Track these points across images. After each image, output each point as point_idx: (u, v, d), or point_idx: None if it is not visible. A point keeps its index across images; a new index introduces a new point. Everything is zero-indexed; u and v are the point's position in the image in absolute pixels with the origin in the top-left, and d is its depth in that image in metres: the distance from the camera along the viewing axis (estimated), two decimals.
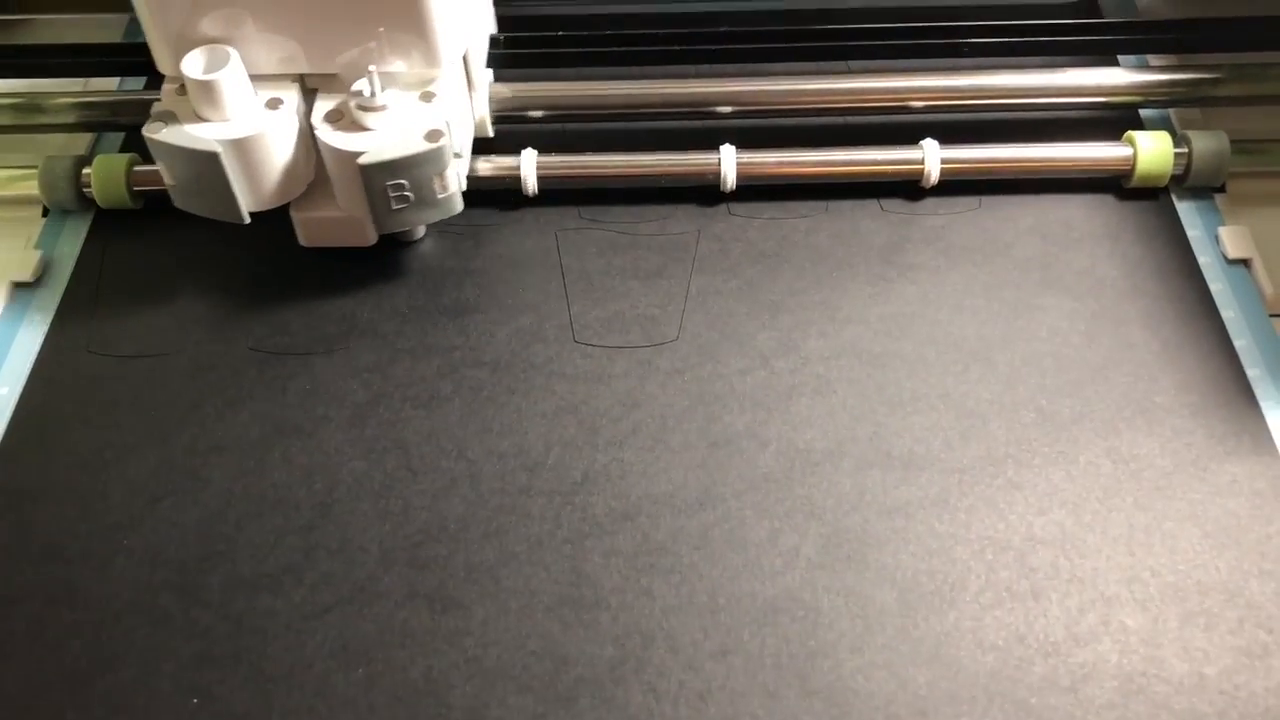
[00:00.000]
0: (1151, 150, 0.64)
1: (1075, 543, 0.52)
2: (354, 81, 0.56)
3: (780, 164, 0.65)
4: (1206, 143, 0.64)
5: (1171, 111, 0.69)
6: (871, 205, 0.65)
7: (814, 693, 0.48)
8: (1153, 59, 0.71)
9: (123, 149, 0.69)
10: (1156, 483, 0.54)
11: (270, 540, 0.53)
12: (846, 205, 0.65)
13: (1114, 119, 0.68)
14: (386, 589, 0.52)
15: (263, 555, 0.53)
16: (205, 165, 0.56)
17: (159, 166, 0.58)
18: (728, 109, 0.67)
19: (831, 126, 0.69)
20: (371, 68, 0.55)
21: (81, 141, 0.70)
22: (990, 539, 0.52)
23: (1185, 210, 0.65)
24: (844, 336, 0.59)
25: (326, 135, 0.56)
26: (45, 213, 0.67)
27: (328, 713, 0.48)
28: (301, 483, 0.55)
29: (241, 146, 0.56)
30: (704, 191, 0.66)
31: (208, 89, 0.55)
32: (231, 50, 0.55)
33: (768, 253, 0.63)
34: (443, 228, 0.64)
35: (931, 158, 0.64)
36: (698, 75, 0.70)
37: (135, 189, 0.65)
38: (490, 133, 0.66)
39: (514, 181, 0.65)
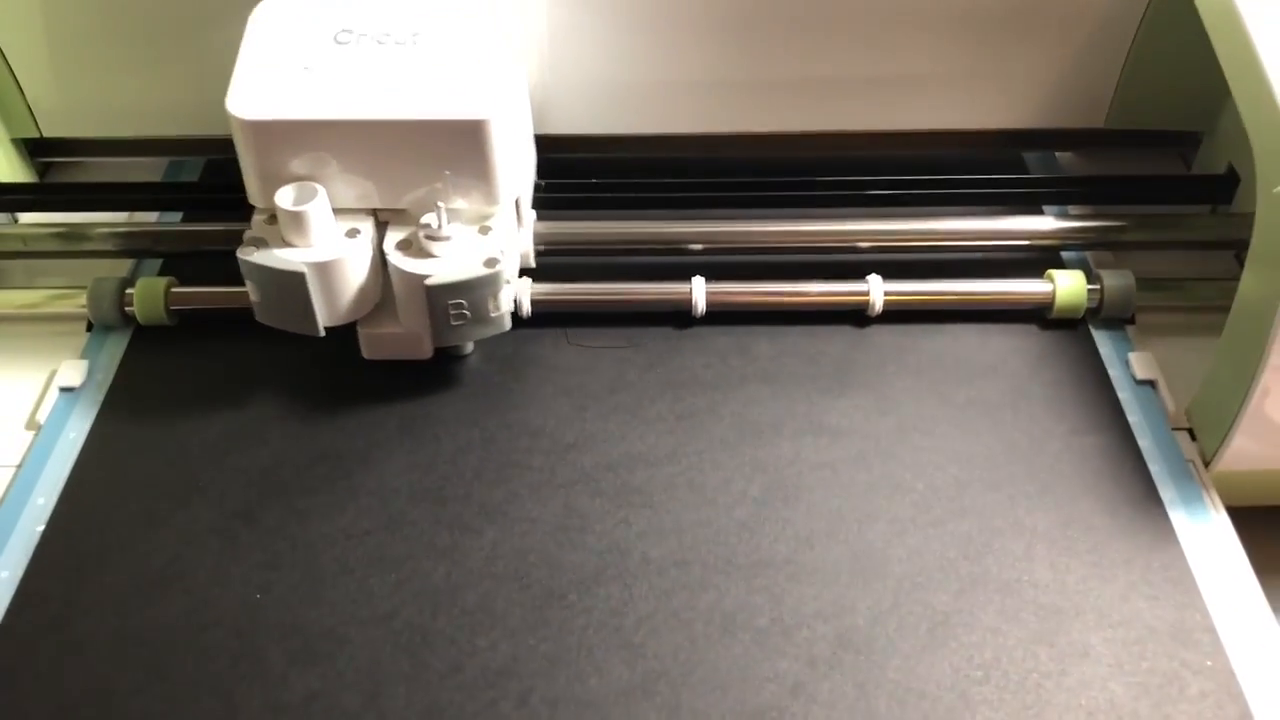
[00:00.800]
0: (1068, 287, 0.72)
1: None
2: (421, 215, 0.64)
3: (744, 293, 0.73)
4: (1116, 280, 0.73)
5: (1088, 253, 0.78)
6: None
7: (758, 590, 0.60)
8: (1072, 209, 0.80)
9: (161, 273, 0.76)
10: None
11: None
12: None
13: (1038, 259, 0.76)
14: (415, 519, 0.63)
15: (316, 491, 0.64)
16: (291, 284, 0.63)
17: (247, 285, 0.65)
18: (699, 246, 0.76)
19: (789, 263, 0.77)
20: (440, 204, 0.63)
21: (121, 266, 0.77)
22: (896, 484, 0.64)
23: (1100, 338, 0.73)
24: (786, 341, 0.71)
25: (398, 260, 0.64)
26: (89, 327, 0.74)
27: (368, 605, 0.59)
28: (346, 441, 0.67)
29: (323, 269, 0.64)
30: (677, 316, 0.74)
31: (297, 219, 0.63)
32: (319, 186, 0.63)
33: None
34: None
35: (876, 291, 0.72)
36: (673, 218, 0.79)
37: (172, 309, 0.73)
38: (533, 263, 0.74)
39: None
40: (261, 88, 0.63)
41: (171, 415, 0.69)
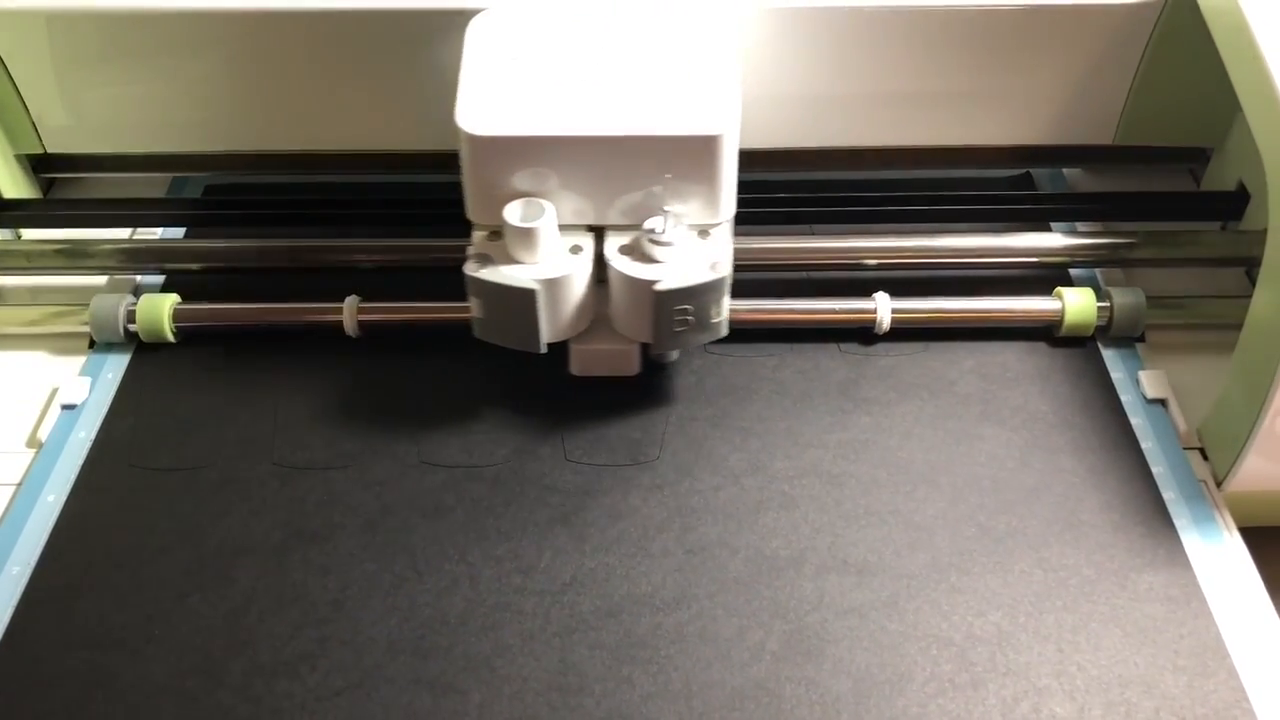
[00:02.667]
0: (1077, 304, 0.71)
1: (1010, 640, 0.58)
2: (635, 221, 0.63)
3: (752, 311, 0.72)
4: (1126, 298, 0.72)
5: (1098, 271, 0.77)
6: (831, 348, 0.72)
7: None
8: (1080, 226, 0.79)
9: (164, 290, 0.75)
10: (1082, 589, 0.60)
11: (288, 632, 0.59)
12: (809, 347, 0.72)
13: (1047, 277, 0.75)
14: (392, 675, 0.57)
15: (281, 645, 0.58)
16: (520, 301, 0.62)
17: (471, 301, 0.64)
18: None
19: (797, 280, 0.76)
20: (667, 208, 0.62)
21: (121, 283, 0.77)
22: (935, 637, 0.58)
23: (1109, 356, 0.72)
24: (806, 458, 0.66)
25: (624, 266, 0.63)
26: (91, 344, 0.73)
27: None
28: (318, 581, 0.61)
29: (552, 286, 0.63)
30: None
31: (527, 235, 0.62)
32: (547, 203, 0.62)
33: (739, 386, 0.71)
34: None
35: (883, 308, 0.71)
36: None
37: (175, 326, 0.72)
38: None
39: None
40: (489, 102, 0.62)
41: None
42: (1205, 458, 0.66)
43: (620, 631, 0.59)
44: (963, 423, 0.68)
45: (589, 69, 0.64)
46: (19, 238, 0.81)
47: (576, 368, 0.69)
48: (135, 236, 0.80)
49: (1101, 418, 0.68)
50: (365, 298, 0.72)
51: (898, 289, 0.73)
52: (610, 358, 0.68)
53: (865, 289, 0.73)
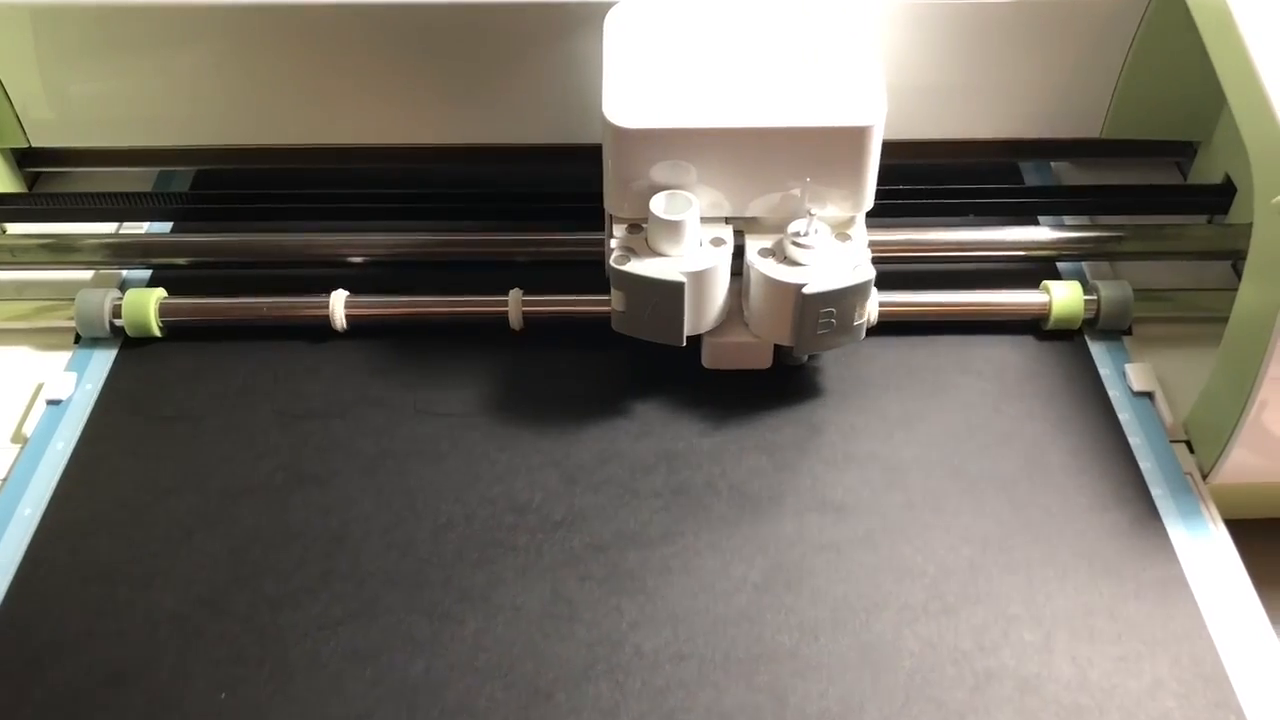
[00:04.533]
0: (1064, 298, 0.72)
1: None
2: (773, 220, 0.64)
3: None
4: (1113, 291, 0.72)
5: (1085, 264, 0.77)
6: None
7: (758, 690, 0.56)
8: (1068, 219, 0.79)
9: (150, 285, 0.75)
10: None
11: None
12: None
13: (1034, 270, 0.76)
14: (391, 606, 0.59)
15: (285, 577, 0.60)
16: (667, 294, 0.62)
17: (614, 295, 0.64)
18: None
19: None
20: (812, 211, 0.62)
21: (107, 278, 0.77)
22: (908, 569, 0.60)
23: (1096, 350, 0.72)
24: (788, 406, 0.68)
25: (768, 269, 0.63)
26: (77, 339, 0.73)
27: (340, 704, 0.55)
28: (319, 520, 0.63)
29: (699, 279, 0.63)
30: None
31: (674, 229, 0.62)
32: (692, 196, 0.62)
33: None
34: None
35: (870, 302, 0.71)
36: None
37: (161, 320, 0.72)
38: None
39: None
40: (635, 94, 0.62)
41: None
42: (1191, 450, 0.67)
43: (609, 565, 0.61)
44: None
45: (728, 61, 0.64)
46: (3, 232, 0.80)
47: (709, 361, 0.69)
48: (121, 231, 0.80)
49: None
50: (353, 292, 0.72)
51: (885, 283, 0.71)
52: (743, 351, 0.68)
53: None
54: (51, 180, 0.85)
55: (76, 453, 0.66)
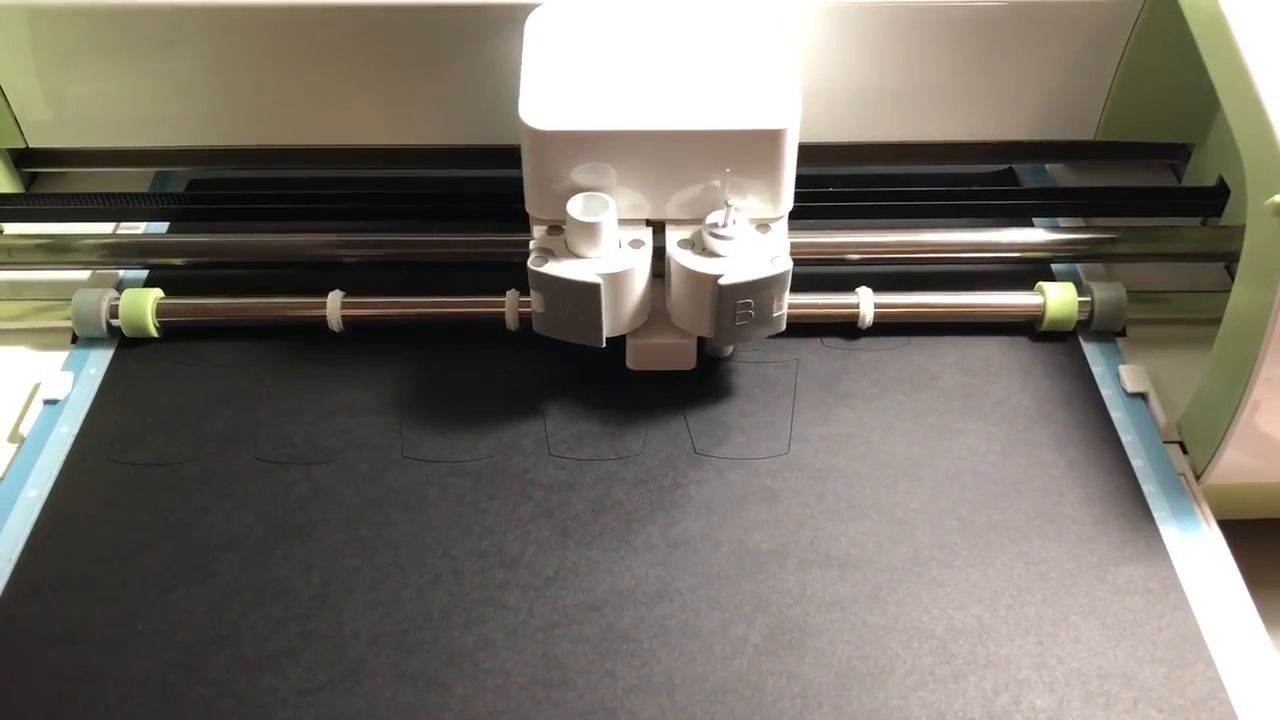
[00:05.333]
0: (1058, 299, 0.72)
1: (991, 633, 0.58)
2: (694, 215, 0.64)
3: None
4: (1107, 293, 0.72)
5: (1079, 266, 0.77)
6: (814, 342, 0.73)
7: None
8: (1062, 221, 0.79)
9: (146, 285, 0.75)
10: (1062, 582, 0.60)
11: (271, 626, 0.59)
12: (792, 341, 0.72)
13: (1029, 272, 0.76)
14: (375, 670, 0.57)
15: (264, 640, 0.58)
16: (583, 296, 0.63)
17: (533, 296, 0.64)
18: None
19: None
20: (730, 203, 0.62)
21: (104, 278, 0.77)
22: (916, 629, 0.59)
23: (1090, 350, 0.72)
24: (788, 453, 0.67)
25: (687, 260, 0.63)
26: (74, 339, 0.73)
27: None
28: (301, 575, 0.61)
29: (615, 280, 0.63)
30: None
31: (590, 230, 0.62)
32: (609, 198, 0.63)
33: (721, 380, 0.71)
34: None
35: (866, 303, 0.72)
36: None
37: (158, 320, 0.72)
38: None
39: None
40: (552, 97, 0.63)
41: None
42: (1185, 451, 0.67)
43: (603, 625, 0.59)
44: (944, 417, 0.68)
45: (650, 64, 0.64)
46: (1, 233, 0.80)
47: (633, 362, 0.69)
48: (118, 231, 0.80)
49: (1082, 412, 0.69)
50: (349, 292, 0.72)
51: (881, 284, 0.73)
52: (668, 352, 0.69)
53: (848, 284, 0.73)
54: (49, 180, 0.85)
55: (51, 500, 0.64)
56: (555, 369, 0.71)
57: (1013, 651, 0.58)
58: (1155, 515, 0.64)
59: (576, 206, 0.62)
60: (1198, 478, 0.65)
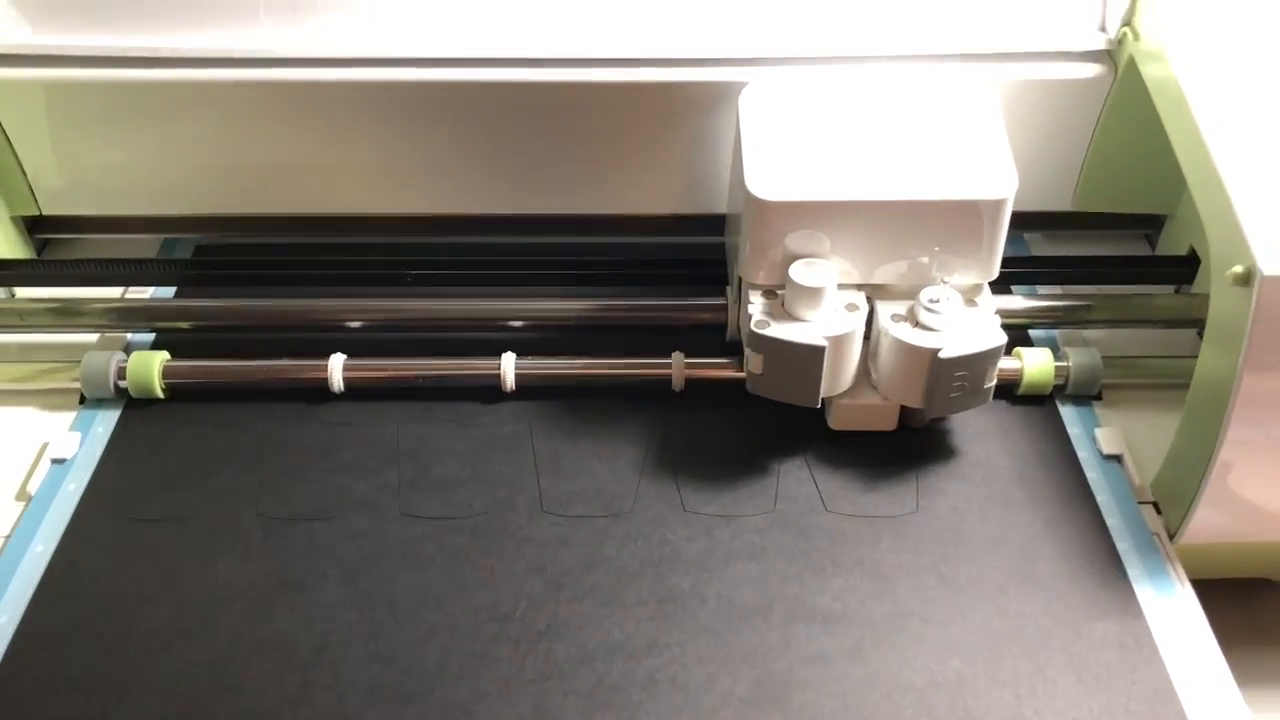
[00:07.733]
0: (1036, 364, 0.74)
1: (970, 685, 0.60)
2: (899, 288, 0.68)
3: (715, 366, 0.75)
4: (1082, 358, 0.75)
5: (1056, 331, 0.80)
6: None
7: None
8: (1040, 288, 0.82)
9: (153, 348, 0.77)
10: (1039, 637, 0.62)
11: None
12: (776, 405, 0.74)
13: (1008, 338, 0.78)
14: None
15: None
16: (807, 358, 0.65)
17: (751, 356, 0.67)
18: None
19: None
20: (944, 280, 0.65)
21: (112, 340, 0.79)
22: (897, 683, 0.60)
23: (1067, 413, 0.75)
24: (774, 511, 0.69)
25: (903, 334, 0.66)
26: (82, 399, 0.75)
27: None
28: (300, 629, 0.63)
29: (838, 342, 0.66)
30: (659, 392, 0.75)
31: (814, 295, 0.65)
32: (829, 263, 0.65)
33: (709, 441, 0.73)
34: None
35: None
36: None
37: (165, 382, 0.74)
38: None
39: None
40: (775, 168, 0.65)
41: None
42: (1159, 511, 0.69)
43: (594, 678, 0.60)
44: (925, 477, 0.70)
45: (866, 135, 0.67)
46: (13, 296, 0.83)
47: (836, 422, 0.72)
48: (126, 296, 0.83)
49: (1059, 472, 0.71)
50: (350, 356, 0.75)
51: None
52: (871, 413, 0.71)
53: None
54: (60, 246, 0.88)
55: (57, 554, 0.66)
56: (548, 430, 0.73)
57: (991, 703, 0.59)
58: (1129, 573, 0.65)
59: (800, 271, 0.65)
60: (1171, 537, 0.67)
